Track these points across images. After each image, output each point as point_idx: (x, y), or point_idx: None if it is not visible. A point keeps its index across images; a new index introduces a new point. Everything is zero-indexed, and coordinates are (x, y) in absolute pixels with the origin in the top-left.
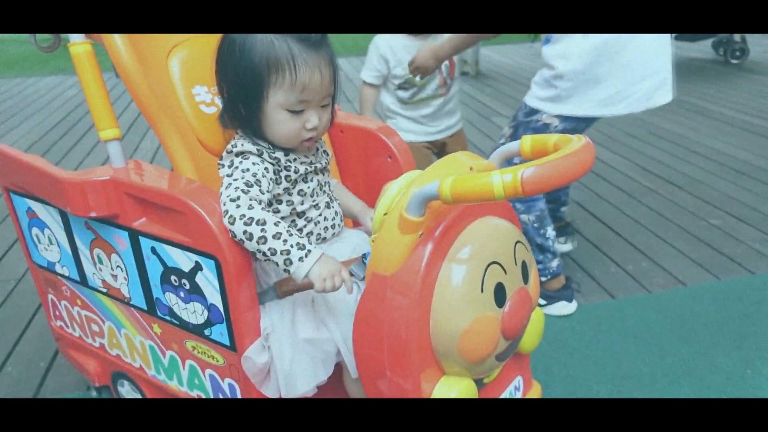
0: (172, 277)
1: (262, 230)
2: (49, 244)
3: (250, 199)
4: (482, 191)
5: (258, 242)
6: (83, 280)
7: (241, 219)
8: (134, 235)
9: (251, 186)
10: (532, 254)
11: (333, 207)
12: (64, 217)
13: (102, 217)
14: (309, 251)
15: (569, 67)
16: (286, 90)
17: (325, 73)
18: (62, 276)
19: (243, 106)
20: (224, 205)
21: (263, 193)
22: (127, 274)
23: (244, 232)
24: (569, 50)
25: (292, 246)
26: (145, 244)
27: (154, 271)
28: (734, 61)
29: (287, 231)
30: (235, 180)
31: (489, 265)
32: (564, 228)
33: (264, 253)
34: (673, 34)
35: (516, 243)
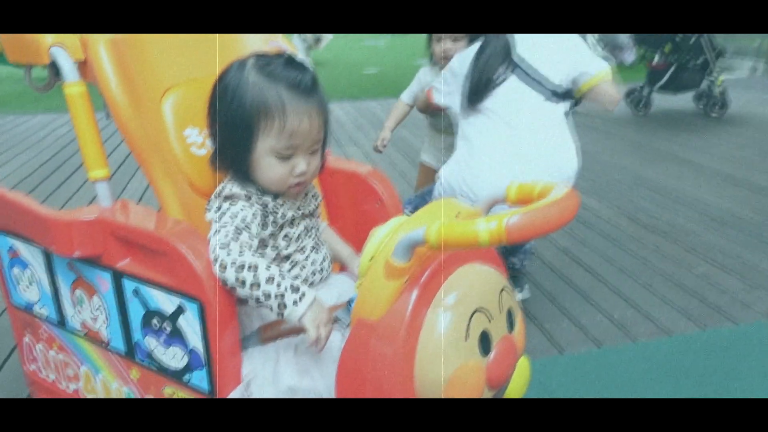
0: (154, 320)
1: (254, 275)
2: (29, 285)
3: (241, 245)
4: (468, 238)
5: (251, 288)
6: (62, 322)
7: (232, 266)
8: (117, 276)
9: (241, 232)
10: (517, 302)
11: (321, 251)
12: (47, 256)
13: (86, 257)
14: (303, 294)
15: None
16: (275, 136)
17: (315, 121)
18: (40, 317)
19: (233, 149)
20: (213, 251)
21: (252, 239)
22: (108, 316)
23: (237, 278)
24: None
25: (285, 289)
26: (128, 285)
27: (136, 313)
28: (714, 114)
29: (280, 274)
30: (224, 226)
31: (474, 312)
32: (515, 278)
33: (257, 299)
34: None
35: (501, 290)
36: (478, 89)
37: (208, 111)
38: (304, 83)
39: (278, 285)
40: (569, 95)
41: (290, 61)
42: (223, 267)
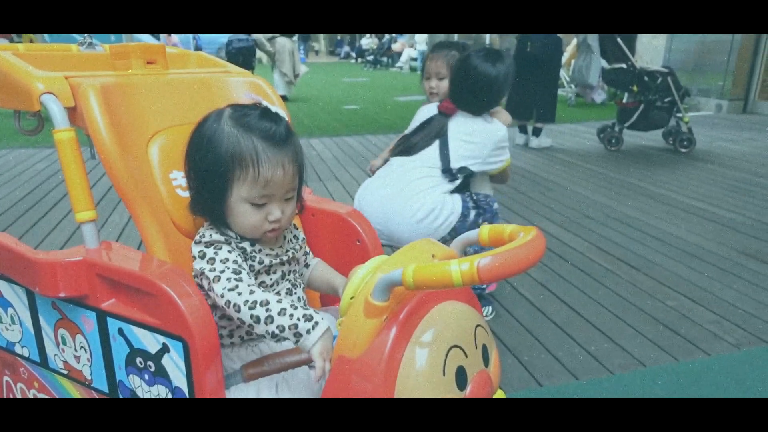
0: (138, 359)
1: (267, 310)
2: (11, 324)
3: (248, 285)
4: (442, 279)
5: (266, 322)
6: (43, 362)
7: (245, 305)
8: (102, 316)
9: (240, 272)
10: (492, 338)
11: (296, 293)
12: (31, 296)
13: (71, 297)
14: (316, 323)
15: None
16: (249, 184)
17: (288, 170)
18: (21, 357)
19: (209, 196)
20: (223, 297)
21: (251, 276)
22: (91, 356)
23: (251, 316)
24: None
25: (299, 319)
26: (113, 325)
27: (120, 352)
28: (683, 150)
29: (291, 305)
30: (222, 272)
31: (450, 348)
32: (480, 298)
33: (273, 333)
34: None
35: (476, 327)
36: (404, 146)
37: (185, 159)
38: (278, 134)
39: (291, 316)
40: (457, 176)
41: (265, 113)
42: (237, 308)
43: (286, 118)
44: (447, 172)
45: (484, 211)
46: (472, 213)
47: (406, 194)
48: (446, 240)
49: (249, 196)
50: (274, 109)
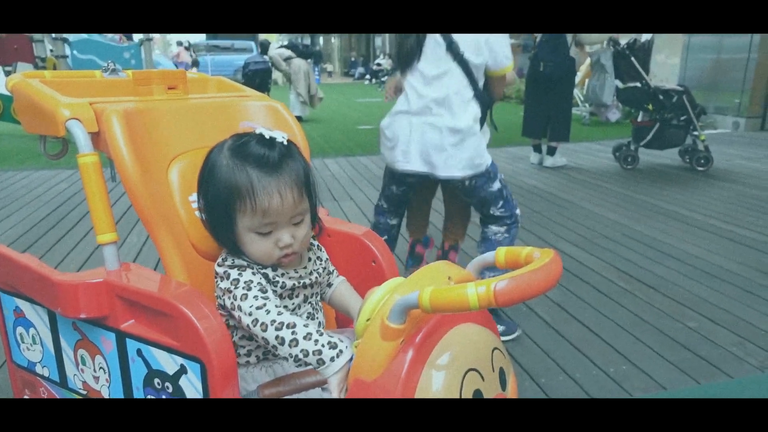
0: (156, 380)
1: (293, 333)
2: (32, 344)
3: (276, 306)
4: (458, 302)
5: (290, 345)
6: (63, 382)
7: (272, 324)
8: (121, 337)
9: (266, 292)
10: (509, 361)
11: (317, 318)
12: (52, 317)
13: (91, 318)
14: (341, 351)
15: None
16: (250, 215)
17: (287, 195)
18: (41, 377)
19: (219, 229)
20: (251, 315)
21: (276, 299)
22: (110, 376)
23: (276, 337)
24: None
25: (323, 345)
26: (132, 346)
27: (138, 373)
28: (700, 168)
29: (317, 331)
30: (249, 290)
31: (467, 372)
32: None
33: (296, 357)
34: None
35: (493, 350)
36: (404, 59)
37: (197, 190)
38: (272, 160)
39: (316, 342)
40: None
41: (259, 140)
42: (264, 327)
43: (284, 142)
44: (453, 51)
45: (507, 201)
46: (497, 183)
47: (449, 104)
48: (465, 185)
49: (252, 226)
50: (268, 134)
